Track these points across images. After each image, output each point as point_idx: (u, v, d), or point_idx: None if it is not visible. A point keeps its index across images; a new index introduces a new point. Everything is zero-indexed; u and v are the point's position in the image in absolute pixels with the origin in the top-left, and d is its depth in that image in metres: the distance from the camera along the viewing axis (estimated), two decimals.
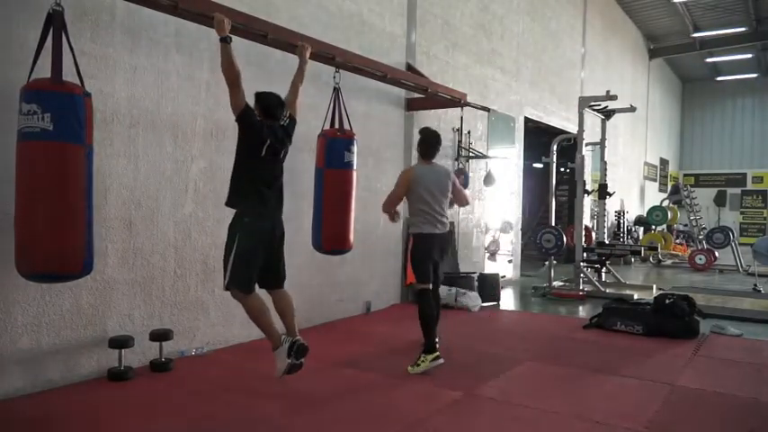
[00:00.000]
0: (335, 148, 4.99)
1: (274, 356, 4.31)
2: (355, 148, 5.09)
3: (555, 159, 10.65)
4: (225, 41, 4.14)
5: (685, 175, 25.70)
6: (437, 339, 5.08)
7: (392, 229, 7.49)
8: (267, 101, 4.38)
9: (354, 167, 5.10)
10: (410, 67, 7.94)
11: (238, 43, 4.65)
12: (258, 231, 4.24)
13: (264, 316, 4.28)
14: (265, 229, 4.29)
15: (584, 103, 10.00)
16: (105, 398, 4.17)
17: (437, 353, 5.01)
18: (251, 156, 4.24)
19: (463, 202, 5.62)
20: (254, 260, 4.22)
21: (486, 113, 9.79)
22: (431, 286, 5.18)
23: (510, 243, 12.05)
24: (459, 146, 9.15)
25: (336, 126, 5.18)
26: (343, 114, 5.19)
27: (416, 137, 5.41)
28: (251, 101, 4.30)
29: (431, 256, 5.18)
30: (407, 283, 5.29)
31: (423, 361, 4.97)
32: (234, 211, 4.31)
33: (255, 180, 4.25)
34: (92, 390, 4.30)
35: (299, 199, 5.86)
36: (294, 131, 4.59)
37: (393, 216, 5.27)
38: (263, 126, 4.26)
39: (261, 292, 4.41)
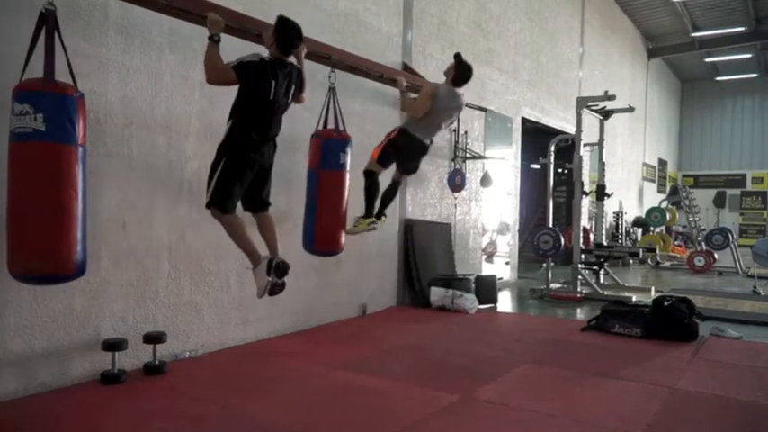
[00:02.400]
0: (332, 148, 4.99)
1: (254, 275, 4.40)
2: (350, 150, 5.10)
3: (552, 160, 10.69)
4: (212, 40, 4.16)
5: (684, 176, 25.79)
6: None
7: (388, 230, 7.50)
8: (286, 32, 4.35)
9: (348, 169, 5.11)
10: (406, 67, 7.96)
11: (233, 42, 4.66)
12: (246, 155, 4.27)
13: (243, 234, 4.36)
14: (254, 155, 4.32)
15: (583, 103, 10.04)
16: (98, 401, 4.17)
17: (373, 219, 5.79)
18: (254, 100, 4.24)
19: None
20: (236, 184, 4.28)
21: (483, 114, 9.82)
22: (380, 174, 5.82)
23: (507, 245, 12.09)
24: (455, 146, 9.18)
25: (331, 126, 5.18)
26: (338, 115, 5.20)
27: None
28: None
29: (407, 152, 5.83)
30: (374, 158, 5.76)
31: (360, 224, 5.70)
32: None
33: (255, 116, 4.26)
34: (84, 393, 4.30)
35: (294, 200, 5.87)
36: (302, 86, 4.65)
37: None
38: (267, 67, 4.23)
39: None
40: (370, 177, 5.76)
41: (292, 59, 4.56)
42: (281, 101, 4.40)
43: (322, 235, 5.06)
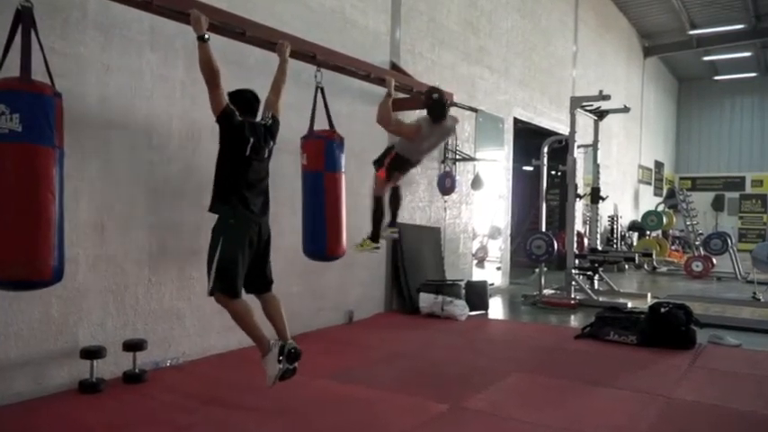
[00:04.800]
0: (336, 150, 5.03)
1: (264, 363, 4.20)
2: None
3: (545, 162, 10.76)
4: (202, 40, 4.14)
5: (681, 179, 25.95)
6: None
7: None
8: (242, 97, 4.39)
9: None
10: (394, 66, 8.00)
11: (216, 41, 4.68)
12: (243, 234, 4.20)
13: (251, 321, 4.19)
14: (251, 232, 4.25)
15: (576, 103, 10.11)
16: (77, 411, 4.18)
17: (378, 244, 6.31)
18: (234, 157, 4.23)
19: None
20: (239, 264, 4.16)
21: (474, 114, 9.87)
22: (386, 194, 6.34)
23: (498, 249, 12.13)
24: (445, 148, 9.21)
25: (322, 127, 5.20)
26: (330, 115, 5.23)
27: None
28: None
29: (404, 168, 6.25)
30: (381, 178, 6.18)
31: (367, 244, 6.22)
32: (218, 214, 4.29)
33: (239, 182, 4.22)
34: (62, 402, 4.32)
35: (279, 203, 5.89)
36: (278, 132, 4.61)
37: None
38: (245, 125, 4.25)
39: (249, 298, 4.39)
40: (379, 202, 6.24)
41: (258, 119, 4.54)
42: (259, 156, 4.37)
43: (333, 240, 5.08)
